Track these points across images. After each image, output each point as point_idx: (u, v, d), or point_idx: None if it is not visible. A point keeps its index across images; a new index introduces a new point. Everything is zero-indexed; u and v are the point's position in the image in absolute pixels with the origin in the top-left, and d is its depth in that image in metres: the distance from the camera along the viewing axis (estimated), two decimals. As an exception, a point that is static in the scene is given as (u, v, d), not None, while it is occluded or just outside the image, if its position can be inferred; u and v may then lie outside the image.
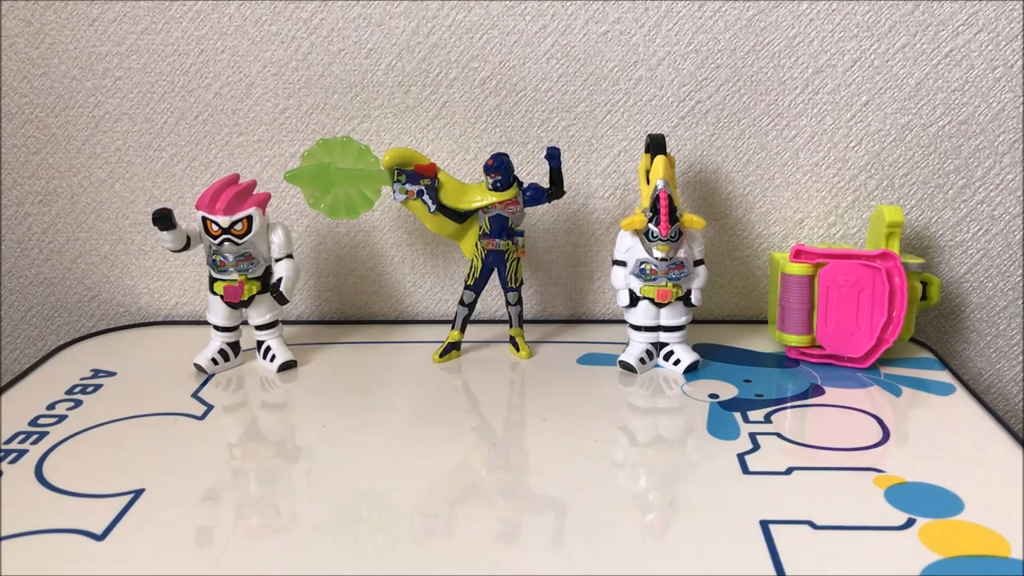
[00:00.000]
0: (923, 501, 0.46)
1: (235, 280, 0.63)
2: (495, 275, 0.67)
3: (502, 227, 0.65)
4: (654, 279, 0.62)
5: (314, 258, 0.77)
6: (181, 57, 0.72)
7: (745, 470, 0.50)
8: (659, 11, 0.69)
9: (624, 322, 0.65)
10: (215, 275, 0.64)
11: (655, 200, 0.60)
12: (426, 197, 0.66)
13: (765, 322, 0.74)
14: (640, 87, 0.71)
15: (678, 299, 0.63)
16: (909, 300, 0.63)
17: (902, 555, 0.42)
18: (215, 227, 0.62)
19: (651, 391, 0.61)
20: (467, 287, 0.67)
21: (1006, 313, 0.75)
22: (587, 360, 0.67)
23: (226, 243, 0.62)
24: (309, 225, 0.76)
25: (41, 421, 0.57)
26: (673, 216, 0.60)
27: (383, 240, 0.76)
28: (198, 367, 0.65)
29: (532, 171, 0.73)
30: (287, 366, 0.66)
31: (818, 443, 0.53)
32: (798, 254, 0.64)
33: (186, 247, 0.63)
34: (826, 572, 0.41)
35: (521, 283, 0.67)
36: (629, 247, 0.63)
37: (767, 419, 0.56)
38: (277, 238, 0.64)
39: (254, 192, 0.63)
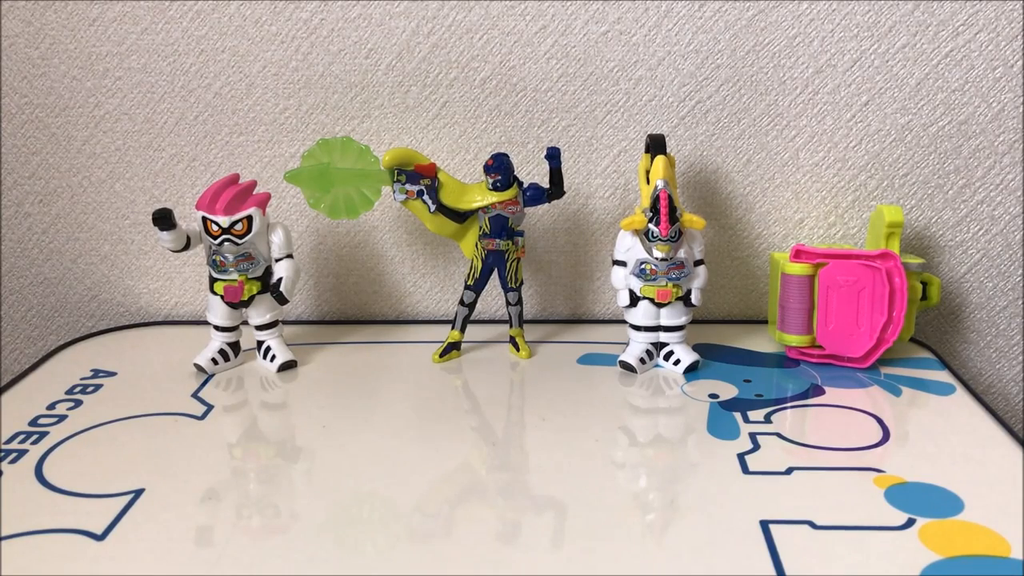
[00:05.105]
0: (923, 501, 0.46)
1: (235, 280, 0.63)
2: (495, 275, 0.67)
3: (502, 227, 0.65)
4: (654, 279, 0.62)
5: (314, 258, 0.77)
6: (181, 57, 0.72)
7: (745, 470, 0.50)
8: (659, 11, 0.69)
9: (624, 322, 0.65)
10: (215, 275, 0.64)
11: (655, 200, 0.60)
12: (426, 197, 0.66)
13: (765, 322, 0.74)
14: (640, 87, 0.71)
15: (678, 299, 0.63)
16: (909, 300, 0.63)
17: (902, 555, 0.42)
18: (215, 227, 0.62)
19: (651, 391, 0.61)
20: (467, 287, 0.67)
21: (1006, 313, 0.75)
22: (587, 360, 0.67)
23: (226, 243, 0.62)
24: (309, 225, 0.76)
25: (41, 421, 0.57)
26: (673, 216, 0.60)
27: (383, 240, 0.76)
28: (198, 367, 0.65)
29: (532, 171, 0.73)
30: (287, 366, 0.66)
31: (818, 443, 0.53)
32: (798, 254, 0.64)
33: (186, 247, 0.63)
34: (826, 572, 0.41)
35: (521, 283, 0.67)
36: (629, 247, 0.63)
37: (767, 419, 0.56)
38: (277, 238, 0.64)
39: (254, 192, 0.63)
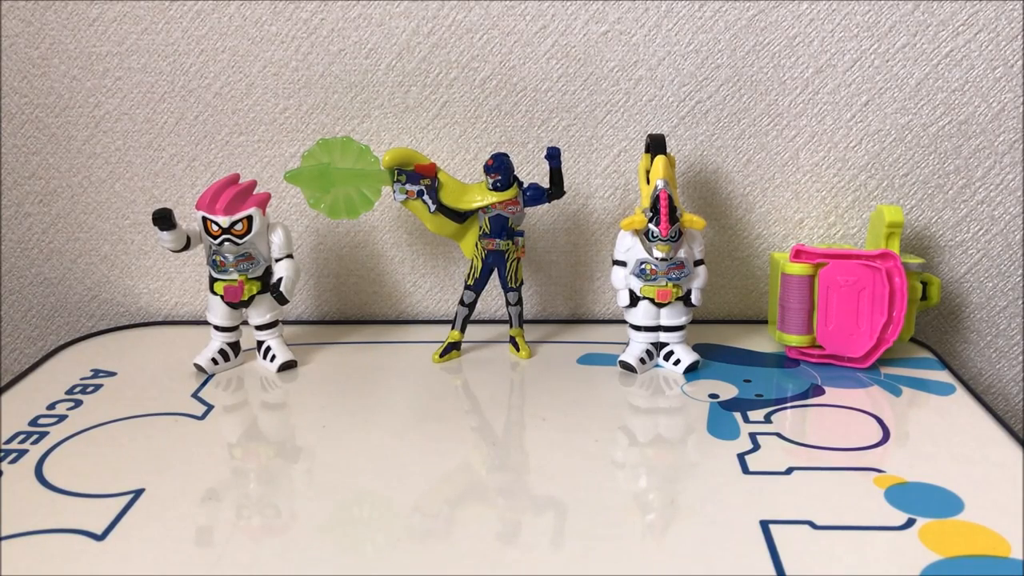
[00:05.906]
0: (923, 501, 0.46)
1: (235, 280, 0.63)
2: (495, 275, 0.67)
3: (502, 227, 0.65)
4: (654, 279, 0.62)
5: (314, 258, 0.77)
6: (181, 57, 0.72)
7: (745, 470, 0.50)
8: (659, 11, 0.69)
9: (624, 322, 0.65)
10: (215, 275, 0.64)
11: (655, 200, 0.60)
12: (426, 197, 0.66)
13: (765, 322, 0.74)
14: (640, 87, 0.71)
15: (678, 299, 0.63)
16: (909, 300, 0.63)
17: (902, 555, 0.42)
18: (215, 227, 0.62)
19: (651, 391, 0.61)
20: (467, 287, 0.67)
21: (1006, 313, 0.75)
22: (587, 360, 0.67)
23: (226, 243, 0.62)
24: (309, 225, 0.76)
25: (41, 421, 0.57)
26: (673, 216, 0.60)
27: (383, 240, 0.76)
28: (198, 367, 0.65)
29: (532, 171, 0.73)
30: (287, 366, 0.66)
31: (818, 443, 0.53)
32: (798, 254, 0.64)
33: (186, 247, 0.63)
34: (826, 572, 0.41)
35: (521, 283, 0.67)
36: (629, 247, 0.63)
37: (767, 419, 0.56)
38: (277, 238, 0.64)
39: (254, 192, 0.63)
